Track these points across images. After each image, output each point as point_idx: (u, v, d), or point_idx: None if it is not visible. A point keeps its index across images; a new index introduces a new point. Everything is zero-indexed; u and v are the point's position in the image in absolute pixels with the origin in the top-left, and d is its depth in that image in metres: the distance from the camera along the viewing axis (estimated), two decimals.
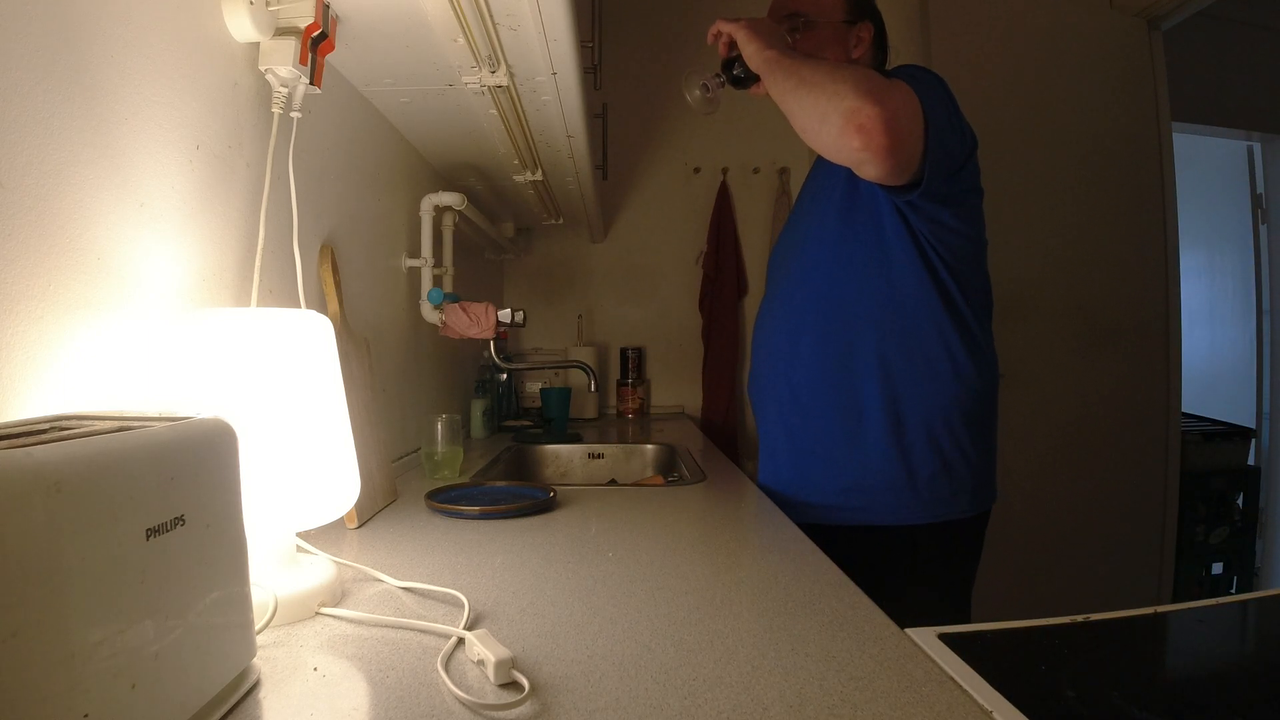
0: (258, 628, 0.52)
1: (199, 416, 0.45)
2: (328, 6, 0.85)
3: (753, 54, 1.01)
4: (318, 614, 0.62)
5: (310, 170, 0.95)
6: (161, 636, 0.38)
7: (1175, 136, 2.09)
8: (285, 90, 0.81)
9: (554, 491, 1.07)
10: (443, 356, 1.70)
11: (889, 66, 1.17)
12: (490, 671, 0.50)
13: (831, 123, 0.88)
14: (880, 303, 1.05)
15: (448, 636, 0.57)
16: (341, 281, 1.03)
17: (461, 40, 0.96)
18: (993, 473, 1.13)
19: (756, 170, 2.46)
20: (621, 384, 2.38)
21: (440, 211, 1.47)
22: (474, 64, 1.04)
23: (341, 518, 0.85)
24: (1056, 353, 1.92)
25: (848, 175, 1.05)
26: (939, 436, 1.05)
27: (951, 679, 0.50)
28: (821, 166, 1.20)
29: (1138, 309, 2.00)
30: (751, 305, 2.41)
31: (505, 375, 2.08)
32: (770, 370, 1.17)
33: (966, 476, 1.06)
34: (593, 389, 1.80)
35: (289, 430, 0.61)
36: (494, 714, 0.46)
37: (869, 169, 0.90)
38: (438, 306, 1.44)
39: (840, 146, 0.90)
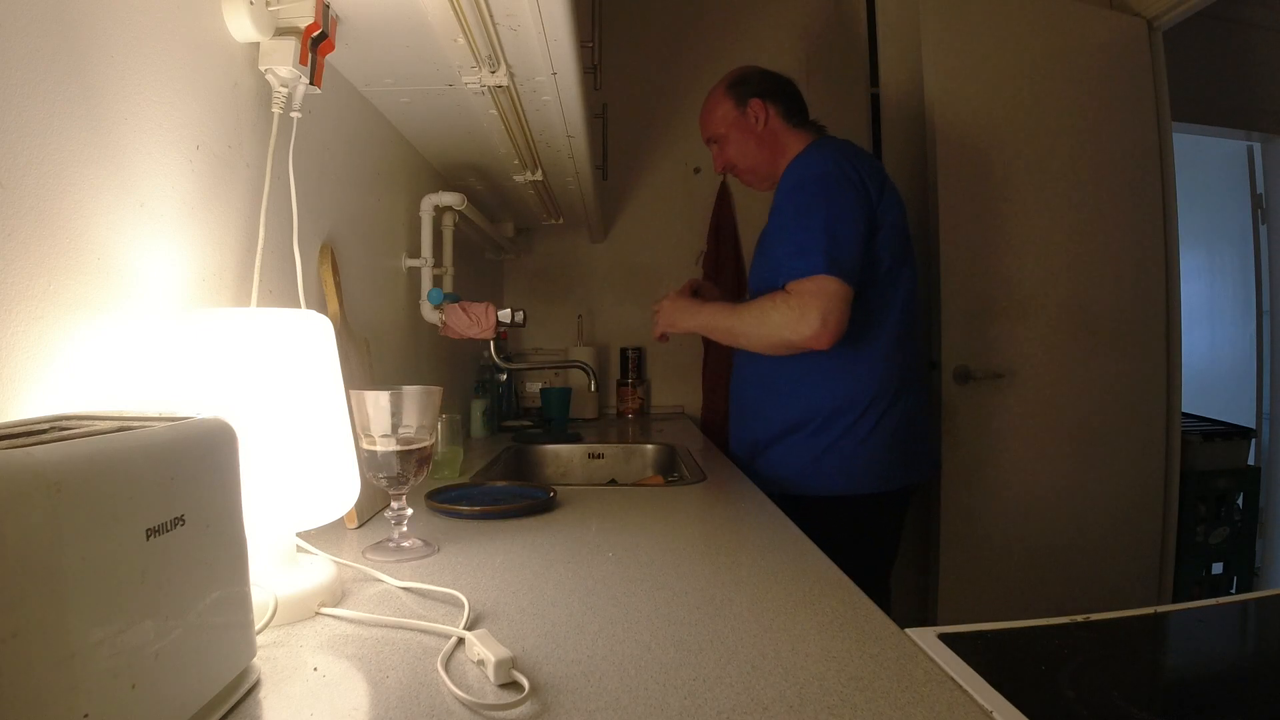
0: (258, 628, 0.52)
1: (199, 416, 0.45)
2: (328, 6, 0.85)
3: (694, 330, 1.47)
4: (318, 614, 0.62)
5: (310, 170, 0.95)
6: (161, 636, 0.38)
7: (1175, 136, 2.08)
8: (285, 90, 0.81)
9: (554, 491, 1.07)
10: (443, 356, 1.70)
11: (814, 121, 1.51)
12: (490, 671, 0.50)
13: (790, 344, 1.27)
14: None
15: (448, 636, 0.57)
16: (341, 281, 1.03)
17: (461, 40, 0.96)
18: (880, 462, 1.34)
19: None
20: (621, 384, 2.38)
21: (440, 211, 1.47)
22: (474, 64, 1.04)
23: (341, 518, 0.85)
24: (1056, 353, 1.92)
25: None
26: (819, 431, 1.34)
27: (951, 679, 0.49)
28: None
29: (1138, 309, 1.99)
30: None
31: (505, 375, 2.09)
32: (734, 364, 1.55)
33: (837, 461, 1.33)
34: (593, 389, 1.80)
35: (289, 430, 0.61)
36: (494, 714, 0.46)
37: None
38: (438, 306, 1.44)
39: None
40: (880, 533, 1.39)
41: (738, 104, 1.48)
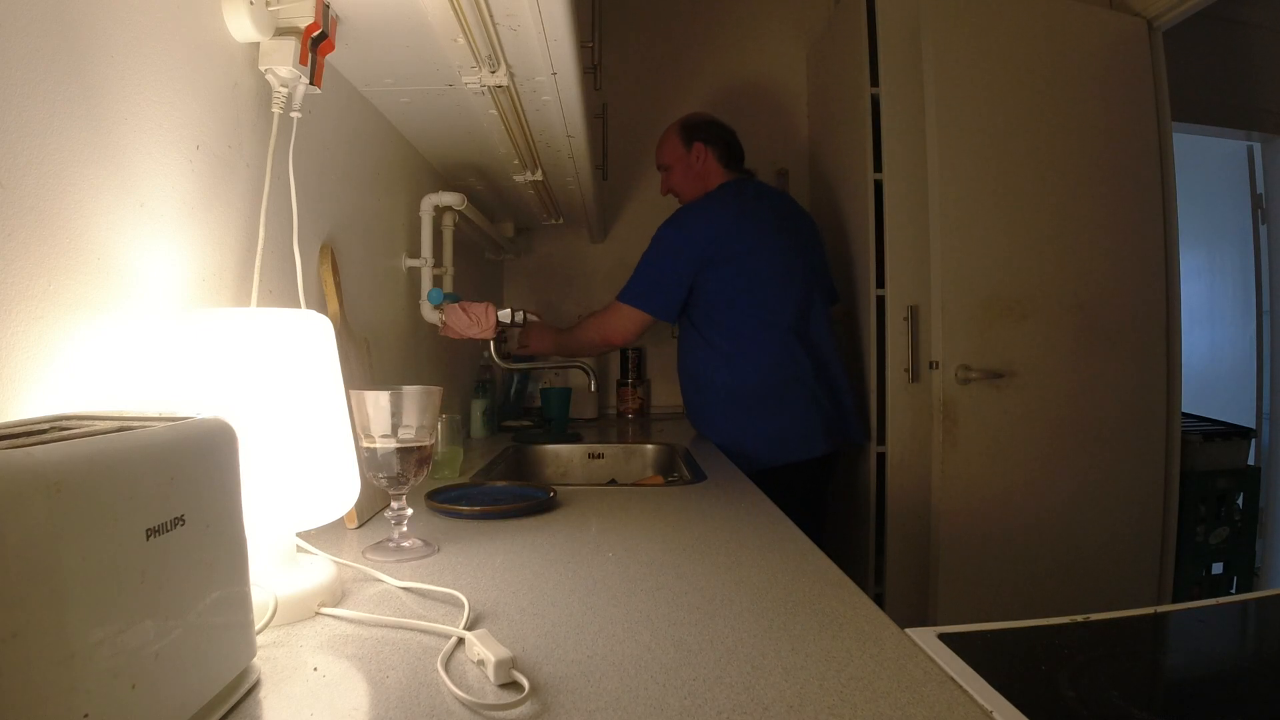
0: (258, 628, 0.52)
1: (199, 416, 0.45)
2: (328, 6, 0.85)
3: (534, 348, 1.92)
4: (318, 614, 0.62)
5: (310, 170, 0.95)
6: (161, 636, 0.38)
7: (1175, 136, 2.08)
8: (285, 90, 0.81)
9: (554, 491, 1.07)
10: (443, 356, 1.70)
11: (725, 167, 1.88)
12: (490, 671, 0.50)
13: (597, 349, 1.91)
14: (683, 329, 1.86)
15: (448, 636, 0.57)
16: (341, 281, 1.03)
17: (461, 40, 0.96)
18: (777, 440, 1.71)
19: (755, 171, 2.46)
20: (621, 384, 2.38)
21: (440, 211, 1.47)
22: (474, 64, 1.04)
23: (341, 518, 0.85)
24: (1056, 353, 1.92)
25: (696, 271, 1.73)
26: (722, 417, 1.75)
27: (951, 679, 0.49)
28: None
29: (1138, 309, 1.99)
30: None
31: (515, 375, 2.16)
32: None
33: (746, 441, 1.70)
34: (593, 389, 1.80)
35: (289, 430, 0.61)
36: (494, 714, 0.46)
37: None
38: (438, 306, 1.44)
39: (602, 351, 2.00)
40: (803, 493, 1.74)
41: (685, 143, 1.85)
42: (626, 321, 1.76)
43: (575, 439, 1.78)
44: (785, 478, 1.66)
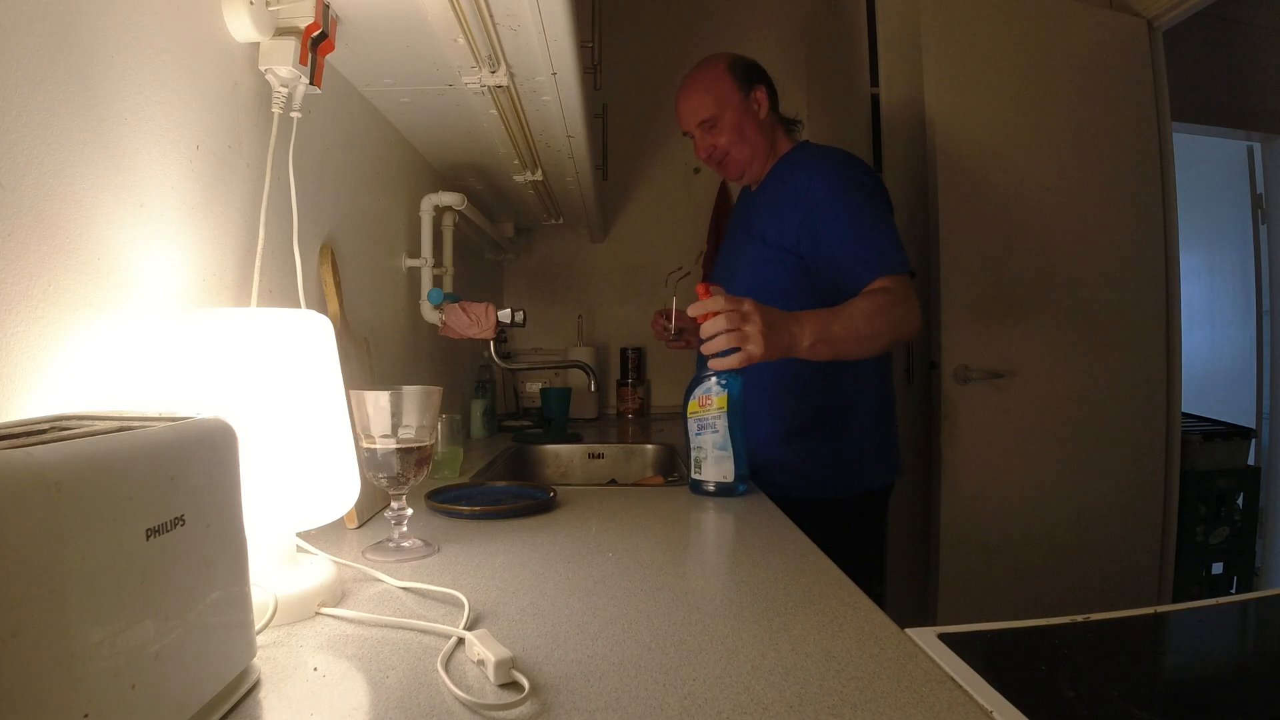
0: (258, 628, 0.52)
1: (199, 416, 0.45)
2: (328, 6, 0.85)
3: (806, 354, 1.09)
4: (318, 614, 0.62)
5: (310, 170, 0.95)
6: (161, 636, 0.38)
7: (1175, 136, 2.08)
8: (285, 90, 0.81)
9: (554, 491, 1.07)
10: (443, 356, 1.70)
11: (795, 117, 1.46)
12: (490, 671, 0.50)
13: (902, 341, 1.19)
14: None
15: (448, 636, 0.57)
16: (341, 281, 1.03)
17: (461, 40, 0.96)
18: (887, 453, 1.40)
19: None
20: (621, 384, 2.38)
21: (440, 211, 1.47)
22: (474, 64, 1.04)
23: (341, 518, 0.85)
24: (1056, 353, 1.92)
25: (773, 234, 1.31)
26: (838, 431, 1.33)
27: (951, 679, 0.49)
28: (746, 205, 1.46)
29: (1138, 309, 1.99)
30: None
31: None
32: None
33: (862, 457, 1.34)
34: (593, 389, 1.80)
35: (289, 430, 0.61)
36: (494, 714, 0.46)
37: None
38: (438, 306, 1.44)
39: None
40: (884, 520, 1.49)
41: (741, 87, 1.36)
42: (918, 301, 1.21)
43: (575, 439, 1.78)
44: (880, 500, 1.42)
